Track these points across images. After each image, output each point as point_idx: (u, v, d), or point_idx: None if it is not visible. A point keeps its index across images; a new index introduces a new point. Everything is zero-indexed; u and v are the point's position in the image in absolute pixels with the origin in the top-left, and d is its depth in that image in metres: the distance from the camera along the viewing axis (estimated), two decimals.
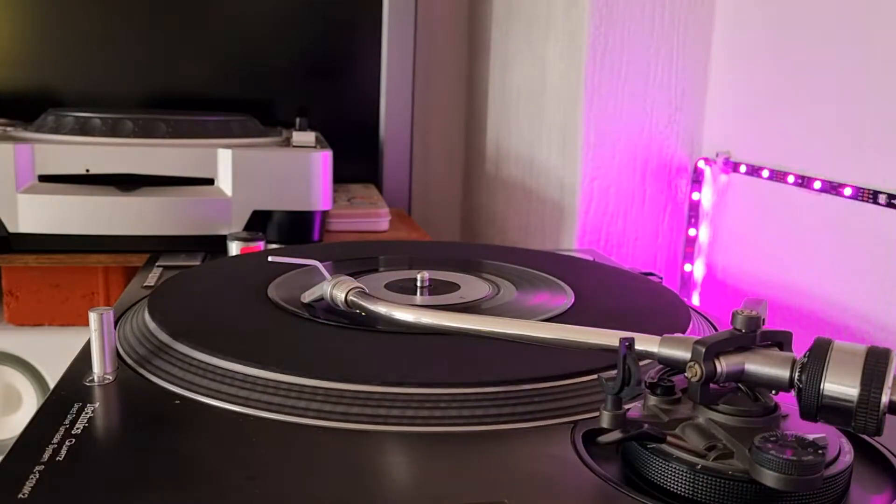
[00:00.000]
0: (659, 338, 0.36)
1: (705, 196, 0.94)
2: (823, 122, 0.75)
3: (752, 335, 0.34)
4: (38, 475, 0.32)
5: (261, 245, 0.72)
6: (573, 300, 0.55)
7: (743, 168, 0.87)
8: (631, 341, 0.33)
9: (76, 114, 0.85)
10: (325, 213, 0.87)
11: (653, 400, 0.35)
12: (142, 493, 0.32)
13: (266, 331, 0.48)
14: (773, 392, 0.34)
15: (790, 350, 0.35)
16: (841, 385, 0.31)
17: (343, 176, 1.04)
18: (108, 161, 0.80)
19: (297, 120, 0.92)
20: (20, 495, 0.31)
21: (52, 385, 0.57)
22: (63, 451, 0.34)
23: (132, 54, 1.16)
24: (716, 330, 0.54)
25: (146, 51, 1.16)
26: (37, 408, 0.46)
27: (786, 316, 0.80)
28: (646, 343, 0.36)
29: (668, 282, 0.95)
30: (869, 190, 0.69)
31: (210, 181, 0.82)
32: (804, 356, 0.32)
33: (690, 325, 0.51)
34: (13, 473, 0.32)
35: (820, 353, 0.32)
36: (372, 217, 1.00)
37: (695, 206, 0.95)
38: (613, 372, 0.33)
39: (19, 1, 1.11)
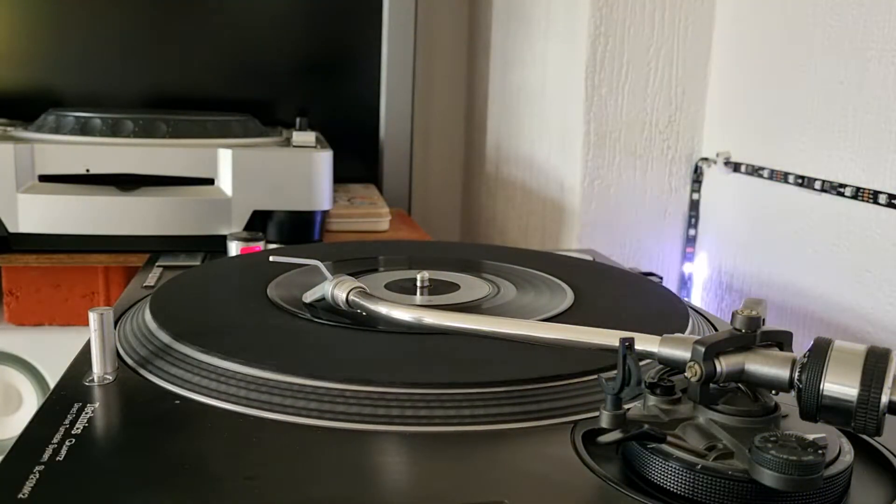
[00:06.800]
0: (659, 338, 0.36)
1: (705, 196, 0.94)
2: (823, 122, 0.75)
3: (752, 335, 0.34)
4: (38, 475, 0.32)
5: (261, 245, 0.72)
6: (573, 300, 0.55)
7: (743, 168, 0.87)
8: (631, 341, 0.33)
9: (76, 114, 0.85)
10: (325, 213, 0.87)
11: (653, 400, 0.35)
12: (142, 493, 0.32)
13: (266, 331, 0.48)
14: (774, 392, 0.34)
15: (790, 350, 0.35)
16: (841, 385, 0.31)
17: (343, 176, 1.04)
18: (108, 161, 0.80)
19: (297, 120, 0.93)
20: (20, 495, 0.30)
21: (52, 385, 0.57)
22: (63, 451, 0.34)
23: (132, 54, 1.16)
24: (716, 330, 0.54)
25: (146, 51, 1.16)
26: (37, 408, 0.46)
27: (786, 316, 0.80)
28: (646, 343, 0.36)
29: (668, 282, 0.95)
30: (869, 190, 0.69)
31: (210, 181, 0.82)
32: (804, 356, 0.32)
33: (690, 325, 0.51)
34: (13, 473, 0.32)
35: (820, 353, 0.32)
36: (372, 217, 1.00)
37: (695, 206, 0.95)
38: (613, 372, 0.33)
39: (19, 1, 1.11)
